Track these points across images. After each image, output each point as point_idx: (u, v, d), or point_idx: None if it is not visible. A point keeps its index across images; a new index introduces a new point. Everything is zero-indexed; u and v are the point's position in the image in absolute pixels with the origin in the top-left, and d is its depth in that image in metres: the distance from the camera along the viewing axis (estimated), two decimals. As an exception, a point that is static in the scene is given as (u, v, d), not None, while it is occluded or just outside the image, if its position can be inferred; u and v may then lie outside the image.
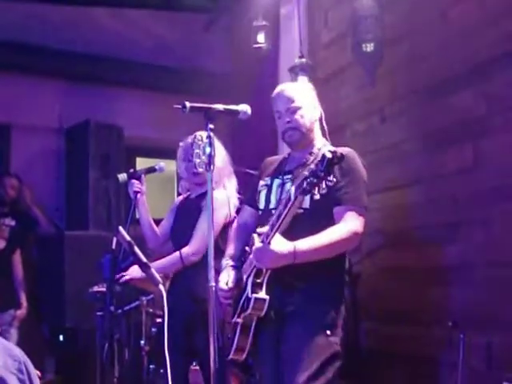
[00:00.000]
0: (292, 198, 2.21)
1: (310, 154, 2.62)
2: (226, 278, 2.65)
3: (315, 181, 2.12)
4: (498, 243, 3.53)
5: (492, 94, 3.60)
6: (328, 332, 2.48)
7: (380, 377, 4.30)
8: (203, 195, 3.40)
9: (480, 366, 3.57)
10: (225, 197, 3.38)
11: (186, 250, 3.30)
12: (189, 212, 3.51)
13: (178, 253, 3.33)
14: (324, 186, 2.12)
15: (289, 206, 2.24)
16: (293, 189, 2.20)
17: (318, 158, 2.14)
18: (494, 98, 3.59)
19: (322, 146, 2.65)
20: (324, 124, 2.80)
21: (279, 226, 2.30)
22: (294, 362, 2.45)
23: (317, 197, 2.15)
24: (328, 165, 2.11)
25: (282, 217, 2.27)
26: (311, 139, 2.68)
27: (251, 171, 3.87)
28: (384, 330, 4.32)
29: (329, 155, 2.11)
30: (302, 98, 2.67)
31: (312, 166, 2.15)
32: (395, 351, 4.21)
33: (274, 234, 2.31)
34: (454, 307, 3.76)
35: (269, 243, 2.31)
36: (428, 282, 4.00)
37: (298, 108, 2.64)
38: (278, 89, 2.74)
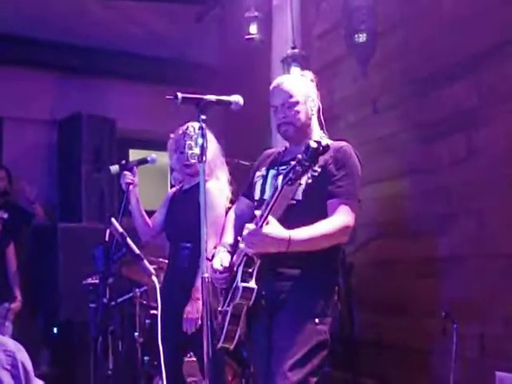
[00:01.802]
0: (279, 187, 2.21)
1: None
2: (220, 261, 2.65)
3: (300, 170, 2.13)
4: (491, 234, 3.54)
5: (485, 85, 3.60)
6: (316, 320, 2.49)
7: (373, 367, 4.32)
8: (196, 187, 3.40)
9: (473, 356, 3.59)
10: (219, 187, 3.39)
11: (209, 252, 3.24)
12: (182, 204, 3.51)
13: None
14: (310, 175, 2.16)
15: (275, 195, 2.24)
16: (280, 178, 2.21)
17: (303, 148, 2.16)
18: (486, 90, 3.60)
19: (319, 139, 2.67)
20: (321, 118, 2.79)
21: (268, 213, 2.29)
22: (281, 349, 2.46)
23: (302, 187, 2.18)
24: (312, 154, 2.12)
25: (270, 205, 2.27)
26: (307, 133, 2.68)
27: (244, 162, 3.87)
28: (377, 320, 4.33)
29: (313, 145, 2.12)
30: (300, 92, 2.66)
31: (298, 156, 2.16)
32: (388, 341, 4.23)
33: (265, 219, 2.30)
34: (447, 297, 3.77)
35: (260, 227, 2.30)
36: (421, 272, 4.01)
37: (295, 103, 2.64)
38: (275, 82, 2.73)
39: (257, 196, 2.73)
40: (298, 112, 2.64)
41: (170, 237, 3.56)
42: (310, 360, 2.45)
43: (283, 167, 2.62)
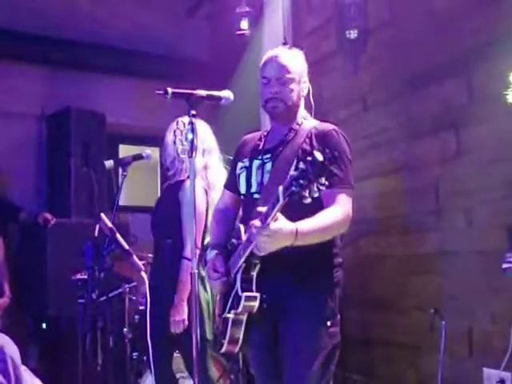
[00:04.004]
0: (281, 200, 2.03)
1: (290, 130, 2.52)
2: (212, 267, 2.55)
3: (306, 183, 1.95)
4: (479, 231, 3.56)
5: (475, 82, 3.62)
6: (329, 323, 2.42)
7: (362, 363, 4.34)
8: (177, 184, 3.40)
9: (461, 352, 3.61)
10: (201, 185, 3.33)
11: (186, 253, 3.23)
12: (165, 200, 3.52)
13: (184, 261, 3.26)
14: (316, 189, 1.96)
15: (277, 207, 2.07)
16: (281, 189, 2.02)
17: (309, 160, 1.95)
18: (476, 87, 3.61)
19: (303, 120, 2.56)
20: (311, 99, 2.70)
21: (274, 214, 2.11)
22: (297, 357, 2.38)
23: (308, 200, 1.97)
24: (320, 168, 1.93)
25: (271, 217, 2.11)
26: (295, 113, 2.56)
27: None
28: (366, 317, 4.35)
29: (320, 158, 1.93)
30: (297, 70, 2.53)
31: (301, 166, 1.95)
32: (377, 338, 4.24)
33: (272, 218, 2.12)
34: (436, 294, 3.78)
35: (268, 224, 2.12)
36: (410, 269, 4.03)
37: (291, 80, 2.50)
38: (272, 52, 2.58)
39: (243, 190, 2.61)
40: (291, 90, 2.50)
41: (153, 232, 3.56)
42: (329, 366, 2.43)
43: (267, 155, 2.53)
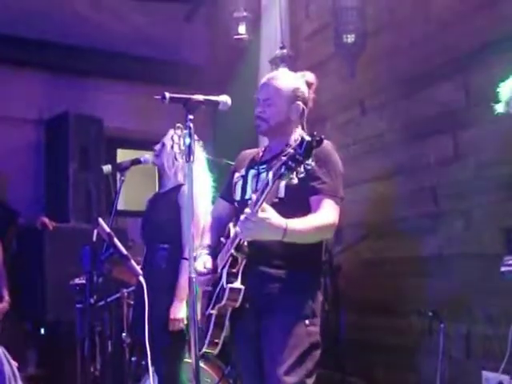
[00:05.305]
0: (270, 183, 2.12)
1: (287, 145, 2.57)
2: (203, 264, 2.60)
3: (294, 165, 2.04)
4: (477, 234, 3.56)
5: (472, 85, 3.63)
6: (307, 322, 2.45)
7: (361, 366, 4.34)
8: (171, 191, 3.40)
9: (459, 355, 3.61)
10: (197, 190, 3.31)
11: (185, 255, 3.22)
12: (159, 206, 3.52)
13: (183, 261, 3.26)
14: (302, 169, 2.04)
15: (266, 191, 2.15)
16: (271, 174, 2.12)
17: (297, 143, 2.06)
18: (474, 90, 3.62)
19: (299, 137, 2.62)
20: (304, 120, 2.75)
21: (263, 200, 2.18)
22: (274, 354, 2.42)
23: (295, 181, 2.07)
24: (307, 148, 2.04)
25: (260, 202, 2.18)
26: (286, 132, 2.61)
27: (232, 163, 3.86)
28: (365, 320, 4.35)
29: (308, 138, 2.04)
30: (285, 92, 2.59)
31: (290, 151, 2.05)
32: (376, 341, 4.24)
33: (261, 204, 2.19)
34: (434, 297, 3.79)
35: (256, 212, 2.19)
36: (408, 272, 4.03)
37: (275, 102, 2.58)
38: (266, 76, 2.71)
39: (238, 197, 2.67)
40: (275, 111, 2.58)
41: (145, 238, 3.55)
42: (305, 362, 2.42)
43: (263, 166, 2.59)
